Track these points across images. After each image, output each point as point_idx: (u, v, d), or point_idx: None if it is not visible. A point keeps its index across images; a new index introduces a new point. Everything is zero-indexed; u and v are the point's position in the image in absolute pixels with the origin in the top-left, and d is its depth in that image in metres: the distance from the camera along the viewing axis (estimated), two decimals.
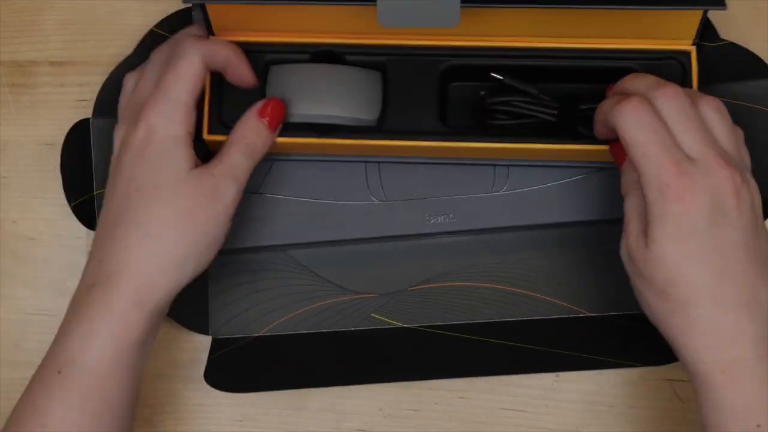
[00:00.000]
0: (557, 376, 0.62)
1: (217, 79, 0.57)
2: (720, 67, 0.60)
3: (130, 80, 0.58)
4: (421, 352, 0.61)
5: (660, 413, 0.62)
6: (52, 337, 0.62)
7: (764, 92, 0.60)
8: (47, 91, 0.64)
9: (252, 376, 0.61)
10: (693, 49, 0.57)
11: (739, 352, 0.49)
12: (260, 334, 0.61)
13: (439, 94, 0.57)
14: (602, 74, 0.57)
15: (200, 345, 0.62)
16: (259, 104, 0.56)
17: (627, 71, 0.56)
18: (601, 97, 0.56)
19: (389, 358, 0.61)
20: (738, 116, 0.59)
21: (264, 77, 0.57)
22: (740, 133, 0.53)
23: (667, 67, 0.57)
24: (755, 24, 0.63)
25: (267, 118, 0.56)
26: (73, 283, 0.63)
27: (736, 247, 0.49)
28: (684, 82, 0.57)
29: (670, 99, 0.50)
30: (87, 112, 0.63)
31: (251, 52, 0.57)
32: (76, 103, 0.63)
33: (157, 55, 0.57)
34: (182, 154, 0.53)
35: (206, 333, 0.61)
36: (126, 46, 0.63)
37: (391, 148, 0.58)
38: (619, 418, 0.62)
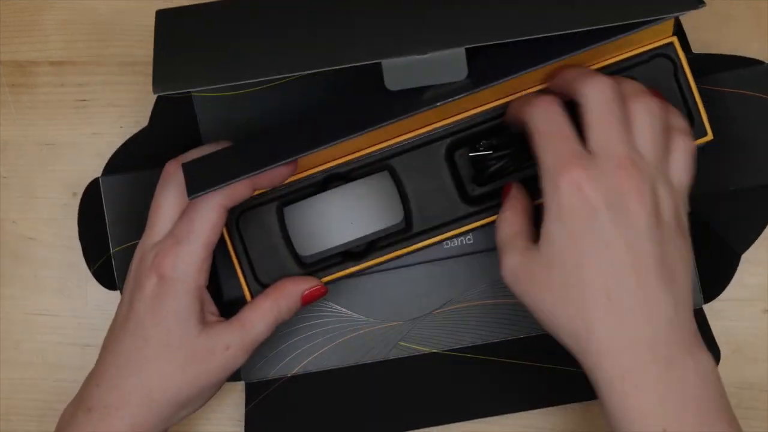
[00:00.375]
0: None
1: (240, 241, 0.57)
2: (708, 58, 0.60)
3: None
4: (457, 379, 0.60)
5: None
6: (51, 337, 0.63)
7: (753, 79, 0.60)
8: (47, 91, 0.64)
9: (293, 426, 0.61)
10: (674, 39, 0.56)
11: (636, 358, 0.47)
12: (292, 374, 0.60)
13: (452, 176, 0.56)
14: None
15: None
16: (304, 285, 0.55)
17: None
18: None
19: (425, 397, 0.61)
20: (730, 104, 0.59)
21: (280, 221, 0.57)
22: (681, 142, 0.50)
23: (656, 65, 0.56)
24: (755, 24, 0.63)
25: (307, 299, 0.56)
26: (73, 283, 0.63)
27: (636, 250, 0.48)
28: (676, 73, 0.56)
29: (591, 91, 0.49)
30: (87, 112, 0.63)
31: (259, 198, 0.56)
32: (76, 103, 0.63)
33: (171, 181, 0.54)
34: (194, 313, 0.52)
35: (238, 379, 0.60)
36: (126, 46, 0.63)
37: (425, 245, 0.57)
38: None
